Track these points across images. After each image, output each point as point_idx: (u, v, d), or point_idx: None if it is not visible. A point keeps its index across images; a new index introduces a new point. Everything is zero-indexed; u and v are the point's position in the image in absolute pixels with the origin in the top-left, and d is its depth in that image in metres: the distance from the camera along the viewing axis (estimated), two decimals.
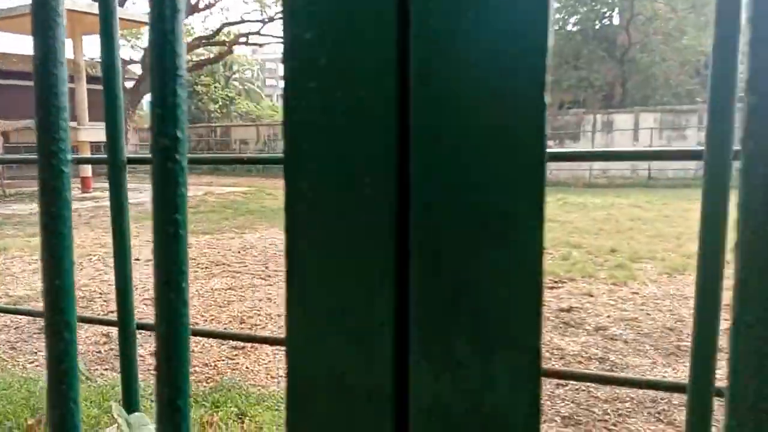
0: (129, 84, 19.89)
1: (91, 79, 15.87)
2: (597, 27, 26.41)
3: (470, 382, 0.33)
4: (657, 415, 3.02)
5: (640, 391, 3.22)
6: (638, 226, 9.39)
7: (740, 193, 0.33)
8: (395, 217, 0.36)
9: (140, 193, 12.57)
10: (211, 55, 24.30)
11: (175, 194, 0.44)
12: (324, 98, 0.37)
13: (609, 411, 3.06)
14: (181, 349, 0.43)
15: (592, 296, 5.38)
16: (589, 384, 3.26)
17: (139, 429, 2.28)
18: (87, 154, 13.28)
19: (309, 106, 0.38)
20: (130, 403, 2.42)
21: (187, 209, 0.45)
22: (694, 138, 19.11)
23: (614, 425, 2.92)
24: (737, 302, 0.33)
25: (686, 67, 24.66)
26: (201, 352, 3.95)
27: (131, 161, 2.57)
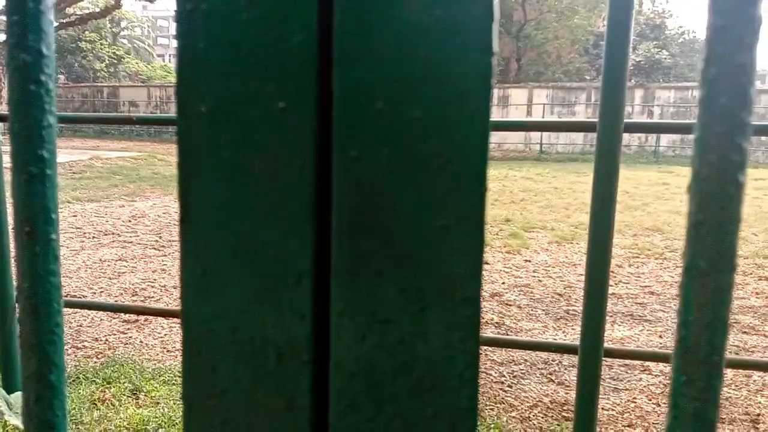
0: (4, 37, 18.16)
1: None
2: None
3: (400, 339, 0.29)
4: (549, 375, 3.17)
5: (533, 354, 3.36)
6: (530, 197, 9.80)
7: (697, 126, 0.30)
8: (314, 148, 0.30)
9: None
10: (97, 10, 22.58)
11: (39, 124, 0.36)
12: (224, 3, 0.31)
13: (504, 373, 3.18)
14: (52, 314, 0.35)
15: (487, 264, 5.56)
16: (486, 347, 3.37)
17: (20, 409, 2.10)
18: None
19: (207, 12, 0.31)
20: (11, 383, 2.23)
21: (55, 163, 0.37)
22: (583, 114, 20.14)
23: (510, 386, 3.04)
24: (690, 247, 0.30)
25: (576, 46, 25.83)
26: (90, 326, 3.71)
27: (5, 119, 2.32)
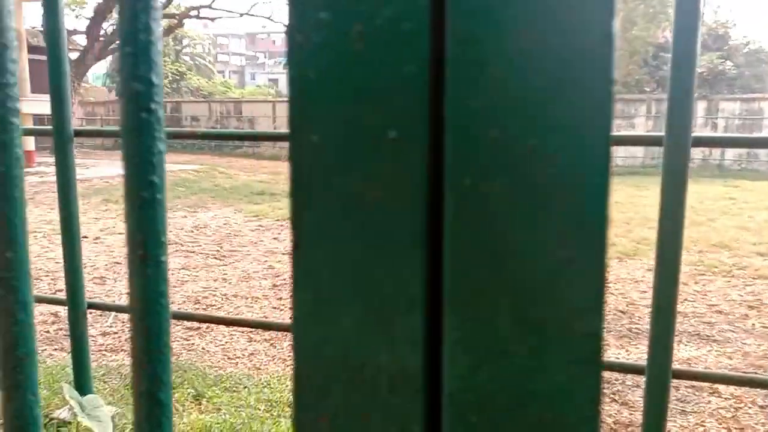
0: (73, 56, 19.02)
1: (32, 49, 15.06)
2: None
3: (517, 372, 0.28)
4: (612, 395, 3.07)
5: None
6: None
7: None
8: (426, 177, 0.30)
9: (86, 169, 12.10)
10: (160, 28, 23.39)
11: (150, 151, 0.37)
12: (336, 34, 0.31)
13: None
14: (161, 334, 0.36)
15: None
16: None
17: (92, 411, 2.18)
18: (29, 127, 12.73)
19: (318, 43, 0.32)
20: (83, 385, 2.32)
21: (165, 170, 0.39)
22: (643, 126, 19.61)
23: None
24: None
25: (635, 57, 25.20)
26: None
27: (79, 134, 2.42)
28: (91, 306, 2.44)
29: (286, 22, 0.33)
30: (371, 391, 0.30)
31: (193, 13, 21.55)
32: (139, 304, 0.36)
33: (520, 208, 0.28)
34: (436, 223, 0.30)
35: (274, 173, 13.22)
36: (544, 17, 0.28)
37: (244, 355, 3.55)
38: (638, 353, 3.61)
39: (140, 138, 0.37)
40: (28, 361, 0.40)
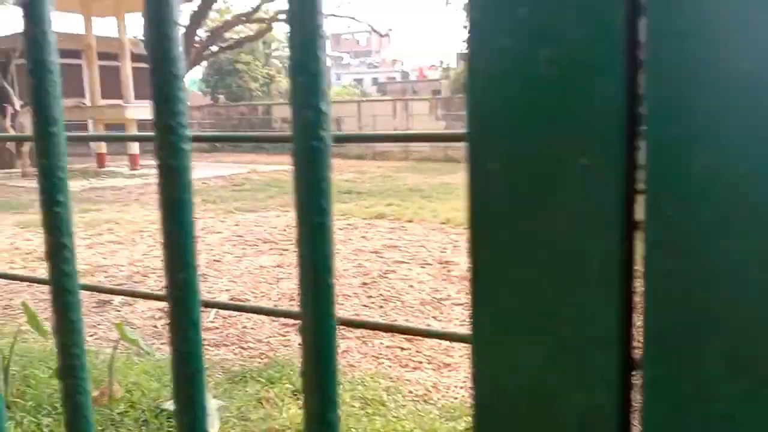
0: None
1: (134, 58, 16.01)
2: None
3: (726, 416, 0.27)
4: None
5: None
6: None
7: None
8: (621, 207, 0.29)
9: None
10: (251, 33, 24.29)
11: (320, 177, 0.38)
12: (520, 60, 0.30)
13: None
14: (330, 355, 0.37)
15: None
16: None
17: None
18: (134, 132, 13.56)
19: (500, 70, 0.31)
20: None
21: (332, 191, 0.39)
22: None
23: None
24: None
25: None
26: (253, 328, 3.97)
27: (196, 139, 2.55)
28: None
29: (466, 50, 0.32)
30: (560, 428, 0.30)
31: (282, 16, 22.20)
32: (312, 327, 0.37)
33: (733, 240, 0.26)
34: (630, 255, 0.29)
35: (360, 172, 13.39)
36: (757, 34, 0.26)
37: (337, 351, 3.61)
38: None
39: (311, 165, 0.38)
40: (197, 377, 0.42)
